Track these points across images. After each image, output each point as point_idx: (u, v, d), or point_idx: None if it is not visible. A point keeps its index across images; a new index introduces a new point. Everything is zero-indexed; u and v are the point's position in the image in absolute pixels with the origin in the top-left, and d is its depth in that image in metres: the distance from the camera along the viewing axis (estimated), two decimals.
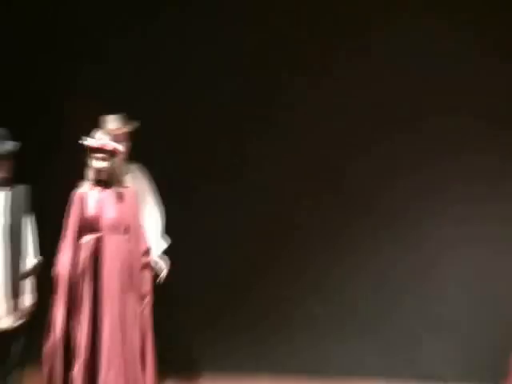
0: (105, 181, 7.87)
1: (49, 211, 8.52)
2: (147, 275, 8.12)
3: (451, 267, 11.22)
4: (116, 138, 8.58)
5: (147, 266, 8.15)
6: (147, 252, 8.15)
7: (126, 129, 9.22)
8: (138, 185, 9.20)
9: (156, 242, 9.30)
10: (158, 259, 9.16)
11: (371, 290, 11.43)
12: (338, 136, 11.27)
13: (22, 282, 8.00)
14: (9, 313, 7.90)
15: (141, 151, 9.47)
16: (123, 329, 7.98)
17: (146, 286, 8.08)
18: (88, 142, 7.87)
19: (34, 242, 8.25)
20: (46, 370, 7.88)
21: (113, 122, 9.19)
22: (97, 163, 7.82)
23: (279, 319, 11.67)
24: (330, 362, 11.34)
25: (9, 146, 7.93)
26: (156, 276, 9.04)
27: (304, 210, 11.53)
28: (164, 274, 9.16)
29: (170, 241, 9.52)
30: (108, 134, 8.45)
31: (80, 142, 8.02)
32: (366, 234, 11.40)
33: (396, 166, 11.45)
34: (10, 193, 7.97)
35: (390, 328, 11.52)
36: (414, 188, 11.26)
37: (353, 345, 11.22)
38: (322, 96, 11.37)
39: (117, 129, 9.06)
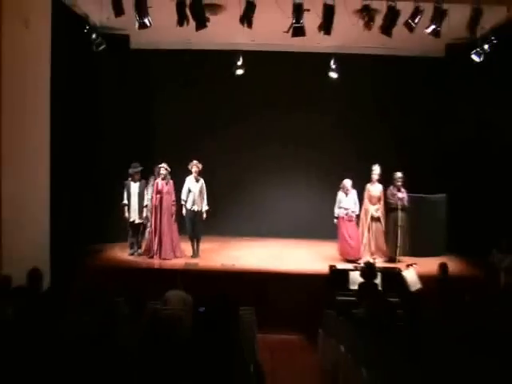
0: (163, 178, 13.61)
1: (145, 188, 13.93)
2: (173, 207, 13.74)
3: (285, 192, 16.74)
4: (197, 167, 13.85)
5: (174, 204, 13.71)
6: (174, 200, 13.74)
7: (200, 165, 13.90)
8: (202, 184, 13.95)
9: (204, 204, 13.97)
10: (204, 212, 13.98)
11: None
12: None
13: (142, 209, 13.83)
14: (138, 218, 13.90)
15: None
16: (169, 223, 13.78)
17: (173, 210, 13.70)
18: (160, 165, 13.63)
19: (145, 196, 13.85)
20: (150, 238, 13.85)
21: (194, 162, 13.85)
22: (162, 171, 13.55)
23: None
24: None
25: (139, 168, 13.75)
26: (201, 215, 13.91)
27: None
28: (205, 216, 13.92)
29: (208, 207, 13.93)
30: (193, 165, 13.79)
31: (157, 166, 13.65)
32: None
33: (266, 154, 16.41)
34: (139, 183, 13.76)
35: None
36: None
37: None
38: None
39: (197, 164, 13.90)
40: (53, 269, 10.96)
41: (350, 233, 14.01)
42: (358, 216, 14.07)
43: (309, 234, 16.05)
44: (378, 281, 10.88)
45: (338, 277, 12.04)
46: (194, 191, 14.10)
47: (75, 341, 5.43)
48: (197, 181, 14.17)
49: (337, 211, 14.02)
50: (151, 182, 14.10)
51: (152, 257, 13.87)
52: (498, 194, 13.46)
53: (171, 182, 13.98)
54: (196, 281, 10.81)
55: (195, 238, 14.26)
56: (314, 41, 13.55)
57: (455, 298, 8.81)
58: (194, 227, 14.20)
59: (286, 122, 16.39)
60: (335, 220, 14.04)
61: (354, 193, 14.04)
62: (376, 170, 14.01)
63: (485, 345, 6.25)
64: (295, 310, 12.05)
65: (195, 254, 14.18)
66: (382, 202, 14.07)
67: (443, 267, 10.84)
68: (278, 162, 16.52)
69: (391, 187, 14.00)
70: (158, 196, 13.84)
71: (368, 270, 10.54)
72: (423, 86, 15.80)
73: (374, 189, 14.10)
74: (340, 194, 14.04)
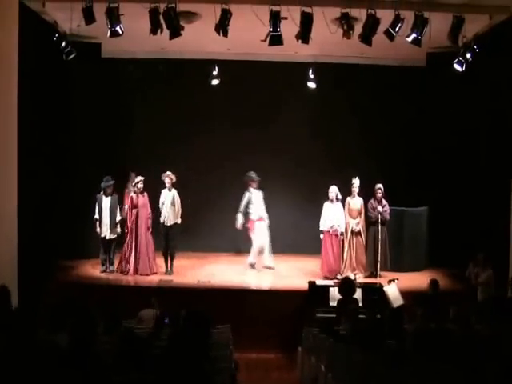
0: (140, 192, 13.80)
1: (121, 201, 14.14)
2: (149, 220, 13.84)
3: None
4: (170, 178, 13.93)
5: (150, 217, 13.82)
6: (149, 213, 13.84)
7: (173, 176, 14.01)
8: (174, 195, 14.02)
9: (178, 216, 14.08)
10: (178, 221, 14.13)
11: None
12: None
13: (115, 224, 13.74)
14: (110, 233, 13.76)
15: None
16: (146, 237, 13.85)
17: (149, 223, 13.81)
18: (138, 179, 13.72)
19: (118, 211, 13.87)
20: (124, 251, 13.83)
21: (167, 173, 13.94)
22: (138, 185, 13.66)
23: None
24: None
25: (111, 182, 13.69)
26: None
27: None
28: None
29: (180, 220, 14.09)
30: (166, 176, 13.82)
31: (136, 180, 13.68)
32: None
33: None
34: (111, 197, 13.71)
35: None
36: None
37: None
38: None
39: (170, 174, 14.01)
40: (21, 286, 10.87)
41: (334, 249, 13.99)
42: (342, 233, 14.04)
43: (288, 249, 15.85)
44: (358, 296, 10.96)
45: (317, 293, 12.06)
46: (166, 203, 14.11)
47: (48, 359, 5.39)
48: (169, 191, 14.19)
49: (322, 224, 13.96)
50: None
51: (126, 273, 13.85)
52: (478, 206, 13.57)
53: (146, 194, 13.99)
54: (171, 298, 10.80)
55: (169, 254, 14.20)
56: (291, 50, 13.52)
57: (441, 314, 8.80)
58: (167, 242, 14.17)
59: (262, 133, 16.32)
60: (321, 235, 14.00)
61: (339, 206, 14.00)
62: (356, 182, 14.06)
63: (469, 363, 6.23)
64: (273, 328, 12.08)
65: (169, 271, 14.14)
66: (362, 216, 14.12)
67: (434, 283, 10.96)
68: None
69: (372, 200, 14.14)
70: (134, 210, 13.88)
71: (345, 286, 10.55)
72: (404, 96, 15.87)
73: (354, 202, 14.16)
74: (326, 206, 14.00)
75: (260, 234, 14.65)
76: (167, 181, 14.12)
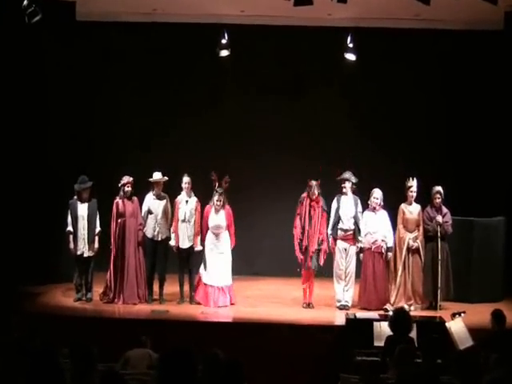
0: (127, 196, 13.78)
1: (103, 208, 13.83)
2: (140, 233, 13.82)
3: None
4: (158, 184, 13.96)
5: (140, 229, 13.79)
6: (140, 224, 13.81)
7: (163, 179, 13.99)
8: (166, 203, 14.12)
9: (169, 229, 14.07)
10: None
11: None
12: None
13: (94, 238, 13.61)
14: (89, 249, 13.64)
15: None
16: (135, 255, 13.78)
17: (139, 237, 13.77)
18: (123, 180, 13.62)
19: (98, 221, 13.80)
20: (109, 275, 13.75)
21: (157, 175, 13.92)
22: (125, 188, 13.58)
23: None
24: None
25: (89, 184, 13.56)
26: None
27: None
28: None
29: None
30: (155, 182, 13.82)
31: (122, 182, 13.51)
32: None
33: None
34: (89, 203, 13.65)
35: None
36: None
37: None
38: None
39: (160, 179, 14.01)
40: None
41: (376, 271, 13.87)
42: (389, 249, 13.88)
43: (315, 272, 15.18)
44: (413, 335, 10.81)
45: (357, 329, 11.95)
46: (156, 213, 14.18)
47: None
48: (159, 198, 14.23)
49: (362, 240, 13.85)
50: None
51: (112, 301, 13.89)
52: None
53: (136, 200, 14.10)
54: (166, 334, 10.88)
55: (159, 277, 14.27)
56: (324, 11, 13.76)
57: None
58: (154, 262, 14.23)
59: (285, 120, 16.35)
60: (361, 255, 13.93)
61: (383, 215, 13.93)
62: (413, 185, 13.88)
63: None
64: (299, 374, 11.90)
65: (161, 299, 14.22)
66: (421, 229, 13.91)
67: (497, 315, 10.65)
68: (270, 180, 16.49)
69: (428, 208, 13.98)
70: (120, 220, 13.92)
71: (399, 320, 10.33)
72: (474, 68, 15.74)
73: (411, 210, 13.98)
74: (366, 216, 13.93)
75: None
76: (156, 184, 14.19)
